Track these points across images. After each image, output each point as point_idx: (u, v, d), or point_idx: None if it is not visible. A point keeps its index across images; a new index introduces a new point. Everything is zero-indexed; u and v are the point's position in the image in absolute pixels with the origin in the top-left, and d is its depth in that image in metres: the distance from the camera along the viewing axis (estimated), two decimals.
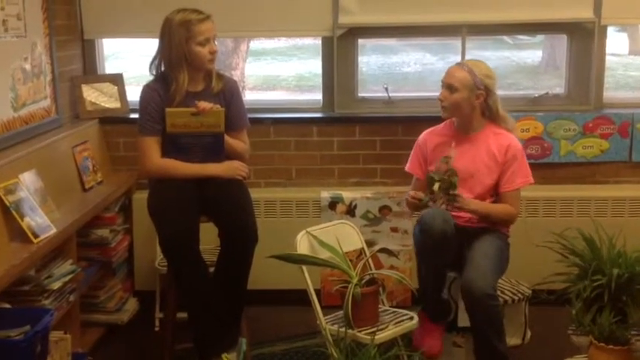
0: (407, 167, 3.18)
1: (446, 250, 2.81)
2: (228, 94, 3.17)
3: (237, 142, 3.19)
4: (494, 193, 3.02)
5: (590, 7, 3.79)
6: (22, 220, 2.74)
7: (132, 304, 3.78)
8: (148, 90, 3.12)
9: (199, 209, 3.04)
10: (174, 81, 3.06)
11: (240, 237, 2.99)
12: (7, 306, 2.63)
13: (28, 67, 3.31)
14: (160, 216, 2.99)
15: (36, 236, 2.75)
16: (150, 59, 3.16)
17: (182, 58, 3.05)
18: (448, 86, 2.95)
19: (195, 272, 2.97)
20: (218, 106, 3.08)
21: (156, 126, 3.07)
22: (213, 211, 3.05)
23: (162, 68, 3.13)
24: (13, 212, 2.73)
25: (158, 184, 3.09)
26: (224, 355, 2.84)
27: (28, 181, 2.93)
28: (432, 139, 3.09)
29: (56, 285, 2.87)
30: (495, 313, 2.77)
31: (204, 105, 3.01)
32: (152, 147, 3.07)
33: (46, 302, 2.81)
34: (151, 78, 3.18)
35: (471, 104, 2.95)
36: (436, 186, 2.82)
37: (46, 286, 2.83)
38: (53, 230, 2.85)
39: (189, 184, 3.05)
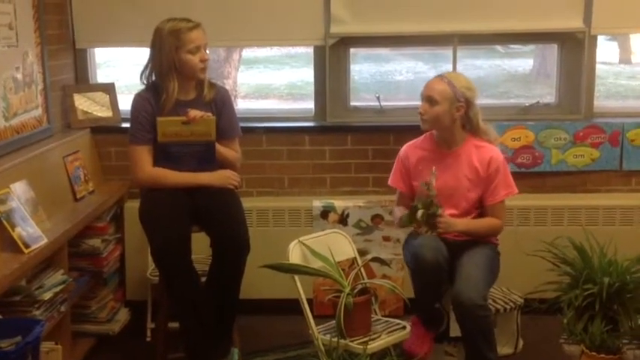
0: (390, 181, 3.18)
1: (440, 278, 2.82)
2: (220, 102, 3.18)
3: (229, 151, 3.19)
4: (479, 205, 3.03)
5: (581, 17, 3.81)
6: (13, 231, 2.73)
7: (123, 314, 3.77)
8: (139, 99, 3.12)
9: (191, 218, 3.03)
10: (164, 90, 3.07)
11: (232, 247, 2.99)
12: None
13: (19, 76, 3.30)
14: (151, 225, 2.99)
15: (27, 246, 2.74)
16: (141, 68, 3.16)
17: (172, 67, 3.05)
18: (428, 99, 2.95)
19: (186, 281, 2.96)
20: (209, 114, 3.08)
21: (147, 135, 3.07)
22: (205, 221, 3.05)
23: (153, 77, 3.13)
24: (4, 222, 2.72)
25: (149, 193, 3.08)
26: None
27: (19, 191, 2.93)
28: (414, 153, 3.08)
29: (47, 295, 2.86)
30: (486, 324, 2.77)
31: (194, 113, 3.02)
32: (143, 156, 3.07)
33: (37, 313, 2.80)
34: (142, 87, 3.18)
35: (452, 117, 2.94)
36: (419, 214, 2.84)
37: (37, 296, 2.82)
38: (44, 240, 2.84)
39: (180, 193, 3.05)
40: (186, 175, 3.08)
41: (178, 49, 3.03)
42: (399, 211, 3.09)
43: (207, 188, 3.10)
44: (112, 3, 3.87)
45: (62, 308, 3.01)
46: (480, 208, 3.03)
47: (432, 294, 2.88)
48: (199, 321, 2.99)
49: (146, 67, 3.14)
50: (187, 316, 2.99)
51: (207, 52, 3.14)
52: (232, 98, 3.31)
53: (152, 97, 3.09)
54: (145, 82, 3.14)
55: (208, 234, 3.06)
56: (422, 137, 3.11)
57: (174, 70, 3.05)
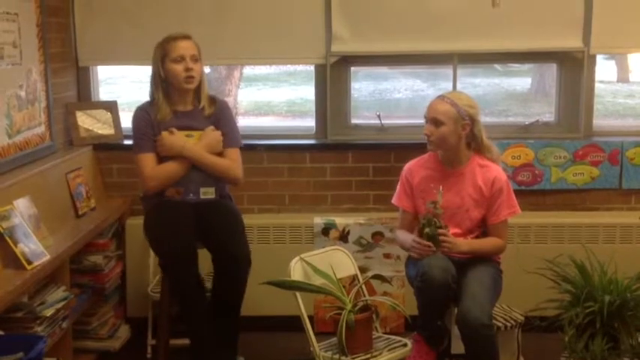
0: (394, 200, 3.19)
1: (447, 297, 2.83)
2: (219, 113, 3.22)
3: (218, 158, 3.18)
4: (482, 224, 3.04)
5: (580, 37, 3.85)
6: (16, 247, 2.74)
7: (124, 331, 3.77)
8: (137, 111, 3.21)
9: (195, 232, 3.05)
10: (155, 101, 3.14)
11: (233, 264, 3.01)
12: (0, 333, 2.62)
13: (23, 94, 3.33)
14: (158, 236, 3.03)
15: (29, 263, 2.75)
16: (142, 86, 3.23)
17: (159, 78, 3.12)
18: (433, 120, 2.97)
19: (195, 291, 3.00)
20: (212, 128, 3.15)
21: (149, 143, 3.13)
22: (207, 238, 3.07)
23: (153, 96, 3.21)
24: (7, 238, 2.73)
25: (153, 208, 3.12)
26: None
27: (22, 207, 2.94)
28: (418, 172, 3.10)
29: (49, 312, 2.86)
30: (491, 343, 2.77)
31: (164, 136, 3.09)
32: (149, 161, 3.13)
33: (38, 329, 2.80)
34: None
35: (458, 136, 2.96)
36: (425, 232, 2.86)
37: (39, 312, 2.82)
38: (46, 257, 2.85)
39: (184, 207, 3.07)
40: (187, 152, 3.10)
41: (164, 58, 3.11)
42: (402, 234, 3.10)
43: (209, 206, 3.12)
44: (114, 22, 3.91)
45: (64, 324, 3.01)
46: (483, 227, 3.04)
47: (437, 312, 2.89)
48: (208, 332, 3.00)
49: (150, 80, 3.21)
50: (197, 326, 3.00)
51: (206, 68, 3.17)
52: (233, 111, 3.34)
53: (150, 110, 3.17)
54: (150, 97, 3.22)
55: (210, 251, 3.08)
56: (426, 156, 3.13)
57: (160, 80, 3.12)
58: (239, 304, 3.09)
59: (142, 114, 3.17)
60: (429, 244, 2.87)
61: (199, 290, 3.04)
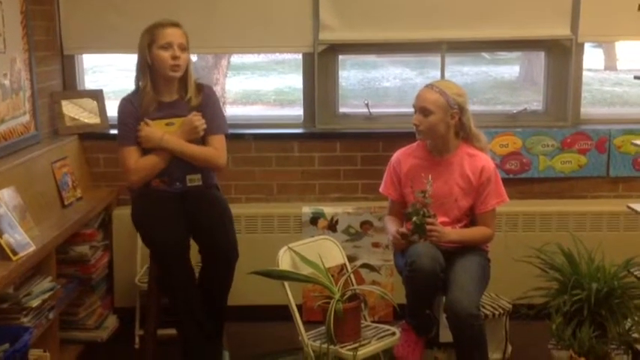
0: (381, 189, 3.19)
1: (436, 286, 2.83)
2: (204, 99, 3.17)
3: (198, 147, 3.14)
4: (470, 213, 3.04)
5: (567, 25, 3.85)
6: (1, 237, 2.71)
7: (111, 321, 3.75)
8: (123, 102, 3.16)
9: (184, 220, 3.04)
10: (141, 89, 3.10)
11: (221, 255, 3.00)
12: None
13: (7, 82, 3.29)
14: (149, 226, 3.01)
15: (15, 253, 2.72)
16: (129, 74, 3.18)
17: (146, 64, 3.07)
18: (421, 110, 2.96)
19: (187, 279, 2.99)
20: (196, 113, 3.10)
21: (132, 135, 3.09)
22: (195, 230, 3.05)
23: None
24: None
25: (140, 197, 3.11)
26: None
27: (7, 197, 2.91)
28: (406, 161, 3.09)
29: (35, 302, 2.84)
30: (480, 332, 2.78)
31: (142, 128, 3.05)
32: (132, 155, 3.09)
33: (24, 320, 2.78)
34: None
35: (447, 124, 2.95)
36: (413, 221, 2.85)
37: (24, 303, 2.80)
38: (32, 247, 2.82)
39: (171, 198, 3.06)
40: (165, 143, 3.06)
41: (151, 44, 3.05)
42: (389, 222, 3.09)
43: (196, 195, 3.10)
44: (99, 10, 3.86)
45: (50, 315, 2.99)
46: (471, 216, 3.04)
47: (426, 301, 2.89)
48: (197, 322, 2.99)
49: (135, 69, 3.16)
50: (186, 315, 2.99)
51: (193, 57, 3.13)
52: (219, 98, 3.30)
53: (135, 100, 3.12)
54: (135, 85, 3.16)
55: (197, 242, 3.07)
56: (414, 145, 3.12)
57: (147, 67, 3.07)
58: (225, 296, 3.09)
59: (126, 104, 3.12)
60: (404, 231, 2.88)
61: (191, 281, 3.03)
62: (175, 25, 3.08)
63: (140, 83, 3.12)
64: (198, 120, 3.09)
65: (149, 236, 3.01)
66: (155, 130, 3.07)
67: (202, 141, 3.14)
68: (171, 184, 3.12)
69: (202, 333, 3.02)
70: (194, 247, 3.07)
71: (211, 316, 3.05)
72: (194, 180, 3.15)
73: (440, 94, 2.93)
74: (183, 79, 3.13)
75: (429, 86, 2.99)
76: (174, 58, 3.04)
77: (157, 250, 2.99)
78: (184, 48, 3.08)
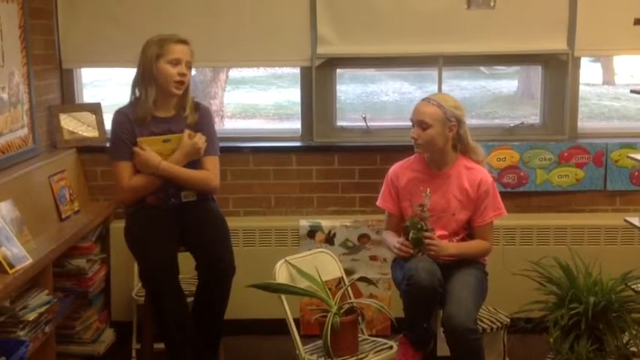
0: (379, 202, 3.19)
1: (434, 300, 2.82)
2: (200, 118, 3.16)
3: (194, 172, 3.11)
4: (468, 226, 3.04)
5: (564, 39, 3.86)
6: None
7: (108, 335, 3.74)
8: (117, 115, 3.14)
9: (177, 239, 3.03)
10: (140, 98, 3.07)
11: (217, 270, 2.99)
12: None
13: (5, 96, 3.29)
14: (139, 247, 3.00)
15: (11, 267, 2.71)
16: (127, 88, 3.17)
17: (150, 75, 3.04)
18: (419, 123, 2.96)
19: (175, 302, 2.96)
20: (189, 132, 3.08)
21: (126, 150, 3.06)
22: (191, 243, 3.04)
23: (137, 93, 3.13)
24: None
25: (135, 214, 3.09)
26: None
27: (5, 210, 2.90)
28: (404, 174, 3.09)
29: (32, 316, 2.83)
30: (477, 346, 2.77)
31: (138, 152, 3.03)
32: (125, 171, 3.07)
33: (21, 333, 2.77)
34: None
35: (445, 137, 2.96)
36: (411, 235, 2.85)
37: (21, 317, 2.79)
38: (29, 260, 2.82)
39: (166, 214, 3.05)
40: (162, 171, 3.03)
41: (159, 57, 3.03)
42: (389, 235, 3.09)
43: (192, 209, 3.10)
44: (98, 24, 3.88)
45: (47, 329, 2.98)
46: (468, 229, 3.04)
47: (423, 315, 2.88)
48: (187, 342, 2.97)
49: (133, 79, 3.14)
50: (175, 336, 2.98)
51: (192, 71, 3.14)
52: (215, 118, 3.29)
53: (130, 112, 3.10)
54: (131, 96, 3.15)
55: (194, 256, 3.06)
56: (411, 158, 3.12)
57: (151, 78, 3.05)
58: (222, 311, 3.08)
59: (121, 118, 3.10)
60: (410, 251, 2.87)
61: (180, 302, 3.00)
62: (185, 42, 3.09)
63: (137, 92, 3.10)
64: (200, 140, 3.08)
65: (137, 256, 3.00)
66: (153, 156, 3.03)
67: (196, 161, 3.13)
68: (167, 201, 3.11)
69: (197, 350, 2.99)
70: (191, 262, 3.07)
71: (208, 331, 3.04)
72: (189, 196, 3.14)
73: (437, 107, 2.94)
74: (182, 96, 3.12)
75: (426, 100, 3.00)
76: (181, 75, 3.04)
77: (146, 272, 2.96)
78: (190, 66, 3.09)
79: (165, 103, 3.11)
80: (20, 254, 2.80)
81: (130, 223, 3.10)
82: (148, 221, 3.02)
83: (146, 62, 3.06)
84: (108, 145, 3.20)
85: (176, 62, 3.03)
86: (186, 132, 3.09)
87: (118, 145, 3.09)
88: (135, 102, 3.13)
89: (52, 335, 3.11)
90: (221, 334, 3.13)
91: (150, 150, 3.04)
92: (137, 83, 3.11)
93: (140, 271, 3.01)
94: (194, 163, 3.12)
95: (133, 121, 3.08)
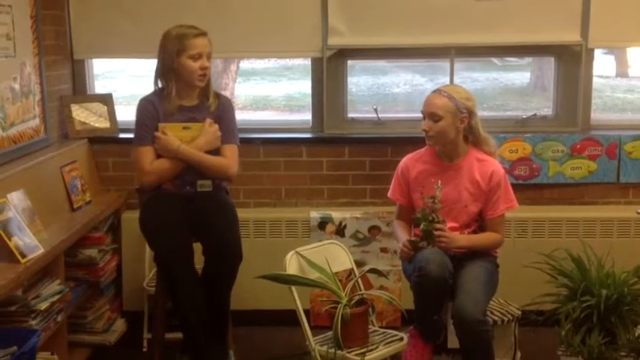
0: (389, 194, 3.18)
1: (444, 292, 2.81)
2: (221, 109, 3.21)
3: (214, 157, 3.16)
4: (479, 218, 3.03)
5: (578, 31, 3.83)
6: (10, 240, 2.72)
7: (120, 325, 3.75)
8: (143, 102, 3.18)
9: (190, 227, 3.04)
10: (165, 92, 3.12)
11: (224, 254, 3.01)
12: None
13: (17, 86, 3.30)
14: (155, 232, 3.03)
15: (23, 256, 2.73)
16: (139, 80, 3.19)
17: (172, 70, 3.09)
18: (430, 115, 2.94)
19: (191, 286, 2.98)
20: (210, 121, 3.12)
21: (150, 135, 3.11)
22: (200, 232, 3.05)
23: (160, 84, 3.18)
24: (1, 232, 2.70)
25: (150, 201, 3.11)
26: None
27: (16, 200, 2.92)
28: (415, 166, 3.08)
29: (43, 305, 2.85)
30: (486, 338, 2.76)
31: (159, 136, 3.07)
32: (147, 155, 3.11)
33: (33, 323, 2.78)
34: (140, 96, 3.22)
35: (456, 129, 2.94)
36: (422, 227, 2.84)
37: (33, 306, 2.81)
38: (41, 250, 2.83)
39: (181, 203, 3.06)
40: (181, 154, 3.07)
41: (180, 52, 3.07)
42: (399, 229, 3.09)
43: (205, 200, 3.11)
44: (109, 14, 3.88)
45: (58, 318, 3.00)
46: (480, 221, 3.02)
47: (434, 307, 2.87)
48: (202, 326, 2.99)
49: (155, 71, 3.18)
50: (190, 321, 2.99)
51: (211, 61, 3.16)
52: (234, 109, 3.32)
53: (156, 100, 3.14)
54: (155, 87, 3.19)
55: (202, 241, 3.07)
56: (422, 150, 3.11)
57: (173, 73, 3.10)
58: (228, 296, 3.09)
59: (147, 105, 3.14)
60: (412, 253, 2.88)
61: (196, 286, 3.02)
62: (205, 34, 3.12)
63: (160, 84, 3.16)
64: (218, 129, 3.14)
65: (153, 241, 3.03)
66: (172, 139, 3.08)
67: (215, 149, 3.17)
68: (182, 188, 3.14)
69: (208, 336, 3.01)
70: (198, 249, 3.08)
71: (214, 316, 3.05)
72: (204, 186, 3.16)
73: (448, 99, 2.92)
74: (205, 85, 3.18)
75: (437, 91, 2.98)
76: (203, 68, 3.09)
77: (161, 256, 2.99)
78: (210, 57, 3.14)
79: (189, 93, 3.17)
80: (32, 244, 2.81)
81: (145, 210, 3.13)
82: (163, 207, 3.06)
83: (167, 57, 3.10)
84: (124, 136, 3.20)
85: (198, 56, 3.08)
86: (208, 120, 3.13)
87: (143, 130, 3.13)
88: (160, 92, 3.16)
89: (64, 324, 3.12)
90: (228, 321, 3.13)
91: (171, 134, 3.08)
92: (160, 75, 3.16)
93: (156, 256, 3.04)
94: (213, 153, 3.15)
95: (159, 110, 3.12)
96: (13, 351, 2.43)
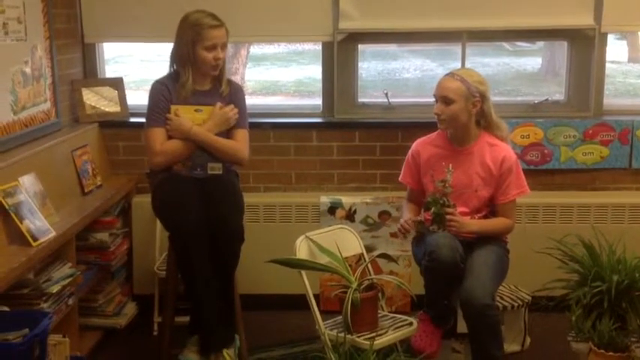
0: (400, 178, 3.18)
1: (455, 277, 2.80)
2: (233, 94, 3.23)
3: (225, 140, 3.18)
4: (490, 203, 3.01)
5: (591, 14, 3.80)
6: (22, 224, 2.74)
7: (130, 308, 3.78)
8: (156, 84, 3.19)
9: (202, 206, 3.05)
10: (180, 77, 3.14)
11: (224, 232, 3.01)
12: (6, 309, 2.62)
13: (28, 70, 3.31)
14: (167, 210, 3.04)
15: (35, 239, 2.75)
16: (149, 65, 3.19)
17: (187, 58, 3.11)
18: (443, 99, 2.92)
19: (204, 260, 2.98)
20: (221, 104, 3.15)
21: (162, 117, 3.12)
22: (207, 213, 3.06)
23: (175, 67, 3.20)
24: (13, 215, 2.73)
25: (161, 183, 3.12)
26: (225, 351, 2.90)
27: (28, 184, 2.93)
28: (426, 150, 3.07)
29: (55, 288, 2.87)
30: (494, 322, 2.76)
31: (171, 117, 3.09)
32: (158, 136, 3.12)
33: (44, 305, 2.80)
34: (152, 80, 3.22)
35: (469, 113, 2.93)
36: (433, 210, 2.84)
37: (44, 289, 2.83)
38: (52, 234, 2.85)
39: (192, 185, 3.07)
40: (193, 135, 3.09)
41: (196, 42, 3.08)
42: (406, 209, 3.09)
43: (215, 184, 3.11)
44: None
45: (70, 301, 3.02)
46: (491, 206, 3.01)
47: (444, 292, 2.87)
48: (215, 304, 3.00)
49: (171, 55, 3.19)
50: (204, 299, 3.00)
51: (225, 51, 3.16)
52: (245, 95, 3.33)
53: (170, 84, 3.15)
54: (170, 69, 3.20)
55: (207, 223, 3.07)
56: (434, 134, 3.10)
57: (188, 60, 3.11)
58: (232, 277, 3.09)
59: (161, 87, 3.15)
60: (410, 230, 2.91)
61: (209, 267, 3.03)
62: (222, 25, 3.12)
63: (175, 69, 3.17)
64: (231, 111, 3.15)
65: (170, 220, 3.03)
66: (185, 121, 3.10)
67: (226, 134, 3.18)
68: (193, 170, 3.14)
69: (218, 316, 3.03)
70: None
71: (220, 299, 3.07)
72: (215, 169, 3.16)
73: (461, 82, 2.90)
74: (219, 72, 3.19)
75: (450, 75, 2.96)
76: (216, 59, 3.11)
77: (178, 233, 2.99)
78: (225, 46, 3.15)
79: (202, 78, 3.19)
80: (43, 227, 2.82)
81: (158, 191, 3.13)
82: (175, 187, 3.07)
83: (182, 45, 3.12)
84: (135, 120, 3.19)
85: (212, 47, 3.09)
86: (218, 104, 3.15)
87: (155, 112, 3.14)
88: (174, 76, 3.17)
89: (75, 307, 3.15)
90: (234, 306, 3.14)
91: (184, 116, 3.10)
92: (176, 60, 3.18)
93: (170, 234, 3.04)
94: (223, 137, 3.16)
95: (174, 94, 3.13)
96: (25, 333, 2.44)
